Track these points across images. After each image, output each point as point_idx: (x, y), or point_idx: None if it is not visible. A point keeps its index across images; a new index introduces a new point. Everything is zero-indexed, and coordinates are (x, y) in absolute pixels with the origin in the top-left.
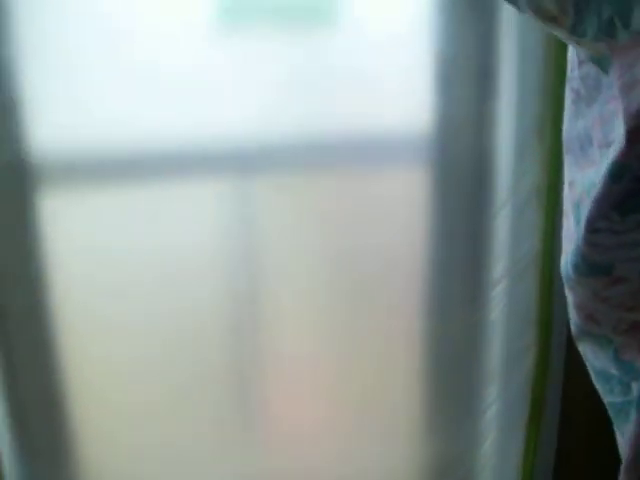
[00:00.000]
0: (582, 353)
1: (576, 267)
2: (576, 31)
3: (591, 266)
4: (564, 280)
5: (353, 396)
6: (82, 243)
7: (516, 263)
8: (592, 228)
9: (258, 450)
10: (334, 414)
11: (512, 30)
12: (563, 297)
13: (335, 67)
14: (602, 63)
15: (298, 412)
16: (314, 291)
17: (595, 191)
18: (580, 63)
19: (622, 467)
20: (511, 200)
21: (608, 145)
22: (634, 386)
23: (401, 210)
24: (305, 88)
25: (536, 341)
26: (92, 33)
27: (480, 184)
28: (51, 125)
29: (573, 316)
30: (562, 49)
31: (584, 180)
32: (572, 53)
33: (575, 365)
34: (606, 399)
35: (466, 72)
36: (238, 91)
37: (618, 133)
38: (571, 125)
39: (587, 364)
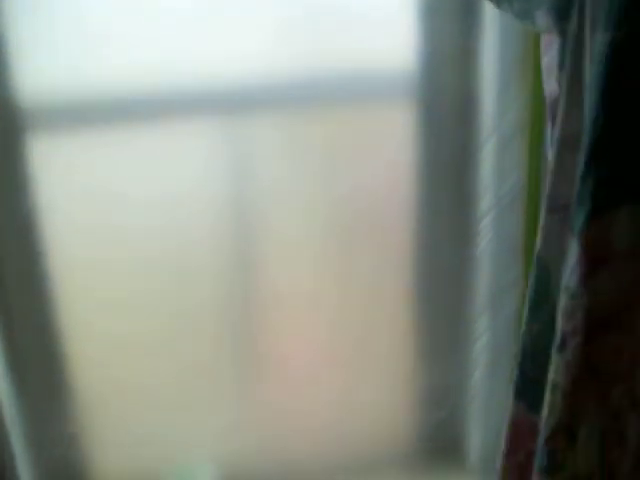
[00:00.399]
0: None
1: None
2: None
3: None
4: None
5: (347, 332)
6: (76, 185)
7: (502, 197)
8: None
9: (254, 388)
10: (329, 349)
11: None
12: None
13: (322, 5)
14: None
15: (294, 349)
16: (308, 228)
17: None
18: None
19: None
20: (496, 134)
21: None
22: None
23: (388, 146)
24: (294, 26)
25: (524, 273)
26: None
27: (465, 119)
28: (40, 67)
29: None
30: None
31: None
32: None
33: None
34: None
35: (450, 7)
36: (231, 30)
37: None
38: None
39: None
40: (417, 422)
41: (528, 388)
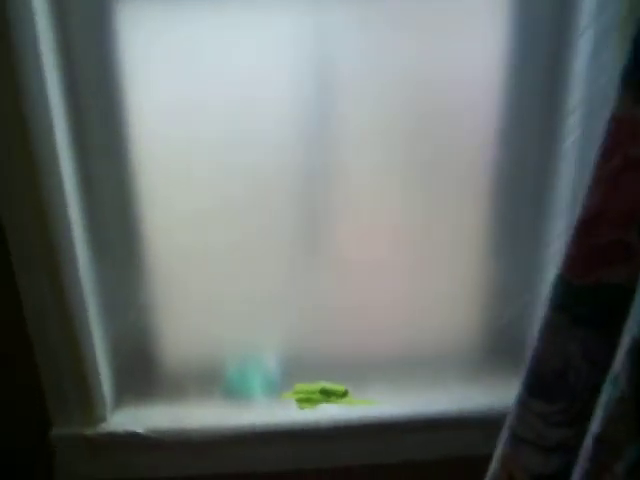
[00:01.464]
0: None
1: None
2: None
3: None
4: None
5: (416, 225)
6: (160, 54)
7: (593, 93)
8: None
9: (317, 276)
10: (397, 244)
11: None
12: None
13: None
14: None
15: (361, 243)
16: (383, 120)
17: None
18: None
19: None
20: (593, 26)
21: None
22: None
23: (479, 29)
24: None
25: None
26: None
27: (562, 7)
28: None
29: None
30: None
31: None
32: None
33: None
34: None
35: None
36: None
37: None
38: None
39: None
40: (483, 322)
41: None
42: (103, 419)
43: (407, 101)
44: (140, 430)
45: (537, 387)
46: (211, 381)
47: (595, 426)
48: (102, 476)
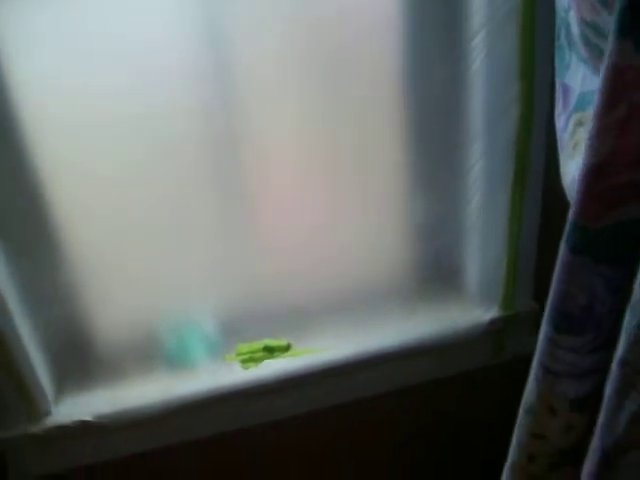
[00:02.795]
0: None
1: None
2: None
3: None
4: None
5: (336, 163)
6: (45, 42)
7: (496, 12)
8: None
9: (241, 230)
10: (317, 185)
11: None
12: (546, 48)
13: None
14: None
15: (281, 188)
16: (291, 64)
17: None
18: None
19: None
20: None
21: None
22: None
23: None
24: None
25: (520, 95)
26: None
27: None
28: None
29: None
30: None
31: None
32: None
33: None
34: None
35: None
36: None
37: None
38: None
39: None
40: (415, 252)
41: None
42: (48, 413)
43: (306, 43)
44: (87, 417)
45: (565, 324)
46: (151, 355)
47: (620, 350)
48: (56, 468)
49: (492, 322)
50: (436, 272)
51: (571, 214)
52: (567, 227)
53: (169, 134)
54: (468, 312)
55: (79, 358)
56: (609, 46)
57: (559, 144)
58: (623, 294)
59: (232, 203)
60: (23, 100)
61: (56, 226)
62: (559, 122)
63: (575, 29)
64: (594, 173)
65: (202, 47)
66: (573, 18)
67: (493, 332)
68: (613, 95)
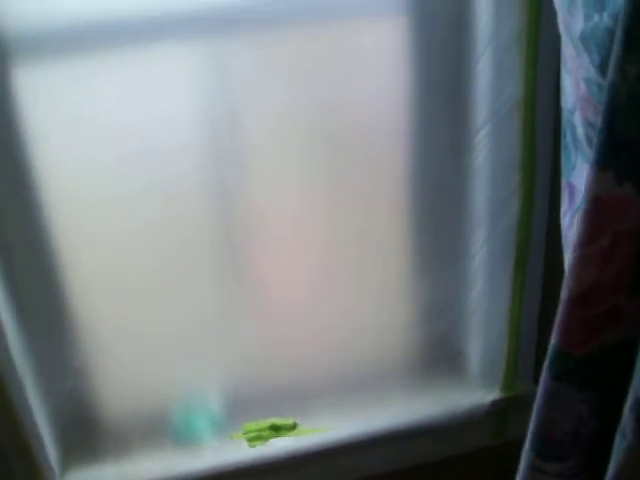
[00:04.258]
0: None
1: None
2: None
3: None
4: None
5: (343, 249)
6: (62, 114)
7: (498, 109)
8: None
9: (250, 312)
10: (325, 269)
11: None
12: (546, 142)
13: None
14: None
15: (291, 272)
16: (298, 148)
17: None
18: None
19: None
20: (492, 46)
21: None
22: None
23: (382, 61)
24: None
25: (521, 186)
26: None
27: (460, 30)
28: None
29: None
30: None
31: None
32: None
33: (559, 211)
34: None
35: None
36: None
37: None
38: None
39: None
40: (418, 336)
41: (620, 153)
42: None
43: (318, 127)
44: None
45: (550, 451)
46: (158, 431)
47: (610, 473)
48: None
49: (494, 404)
50: (439, 354)
51: (553, 341)
52: (549, 353)
53: (178, 211)
54: (470, 394)
55: (86, 432)
56: (589, 178)
57: (563, 241)
58: (608, 416)
59: (239, 284)
60: (42, 178)
61: (69, 306)
62: (564, 220)
63: (580, 130)
64: (577, 302)
65: (211, 125)
66: (578, 119)
67: (495, 413)
68: (596, 226)
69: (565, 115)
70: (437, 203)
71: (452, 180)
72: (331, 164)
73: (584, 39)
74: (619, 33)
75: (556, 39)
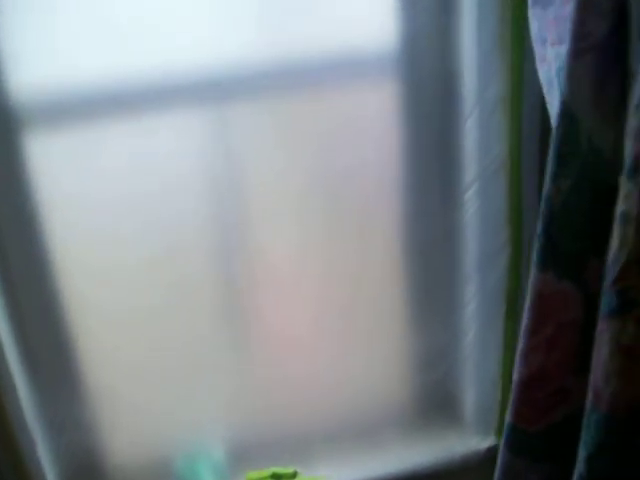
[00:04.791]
0: None
1: None
2: None
3: None
4: None
5: (338, 300)
6: (70, 180)
7: (486, 167)
8: None
9: (248, 360)
10: (321, 318)
11: None
12: (533, 198)
13: None
14: None
15: (286, 322)
16: (295, 209)
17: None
18: None
19: None
20: (478, 108)
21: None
22: None
23: (374, 125)
24: (271, 11)
25: (509, 240)
26: None
27: (447, 95)
28: (30, 69)
29: None
30: None
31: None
32: None
33: None
34: None
35: None
36: (207, 21)
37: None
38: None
39: None
40: (413, 384)
41: (557, 255)
42: None
43: (313, 186)
44: None
45: None
46: (163, 479)
47: None
48: None
49: (489, 450)
50: (434, 401)
51: (508, 419)
52: (505, 429)
53: (184, 274)
54: (465, 440)
55: None
56: (533, 277)
57: None
58: None
59: (241, 336)
60: (54, 245)
61: (78, 359)
62: None
63: None
64: (527, 384)
65: (213, 184)
66: None
67: (490, 459)
68: (541, 318)
69: None
70: (429, 257)
71: (443, 234)
72: (326, 219)
73: None
74: (551, 152)
75: (540, 98)
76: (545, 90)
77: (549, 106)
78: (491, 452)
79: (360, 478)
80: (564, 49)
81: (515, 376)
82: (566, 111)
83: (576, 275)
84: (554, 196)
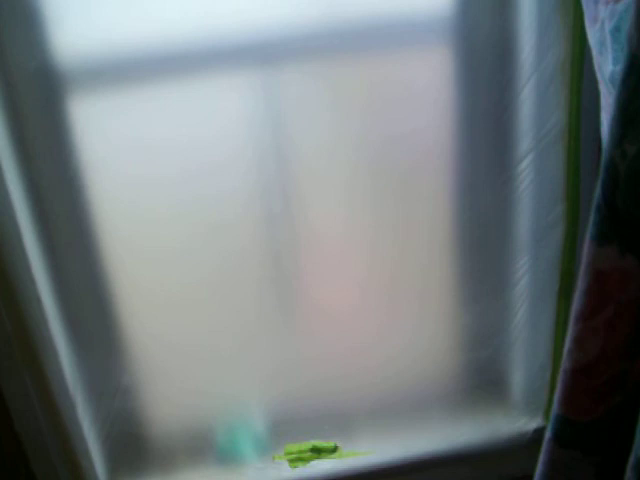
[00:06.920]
0: None
1: None
2: None
3: None
4: None
5: (389, 274)
6: (115, 143)
7: (542, 138)
8: None
9: (293, 334)
10: (368, 294)
11: None
12: (590, 171)
13: None
14: None
15: (333, 295)
16: (344, 178)
17: None
18: None
19: None
20: (535, 75)
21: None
22: None
23: (426, 92)
24: None
25: (565, 214)
26: None
27: (503, 61)
28: (75, 31)
29: None
30: None
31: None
32: None
33: None
34: None
35: None
36: None
37: None
38: None
39: None
40: (461, 362)
41: (622, 227)
42: None
43: (363, 156)
44: None
45: None
46: (203, 450)
47: None
48: None
49: (536, 431)
50: (482, 380)
51: (558, 411)
52: (553, 423)
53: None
54: (513, 421)
55: (133, 449)
56: (589, 253)
57: None
58: (611, 477)
59: (286, 310)
60: (94, 198)
61: (122, 325)
62: None
63: None
64: (584, 372)
65: (258, 153)
66: None
67: (537, 441)
68: (600, 299)
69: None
70: (480, 231)
71: (496, 208)
72: (375, 192)
73: (613, 81)
74: (615, 111)
75: None
76: (596, 52)
77: (598, 71)
78: (538, 434)
79: (403, 456)
80: (620, 6)
81: (567, 364)
82: (634, 64)
83: None
84: (619, 161)
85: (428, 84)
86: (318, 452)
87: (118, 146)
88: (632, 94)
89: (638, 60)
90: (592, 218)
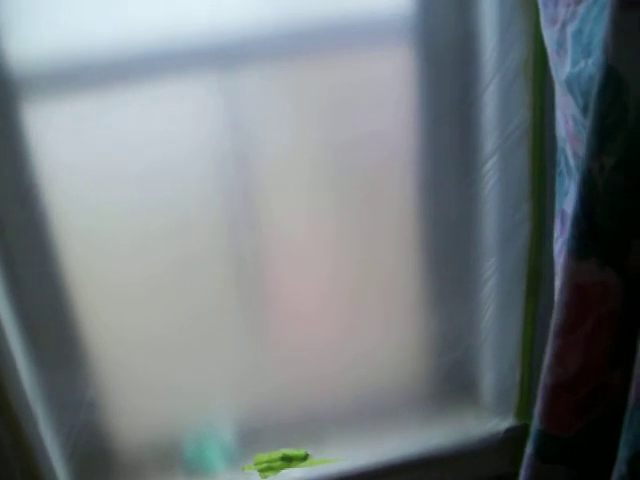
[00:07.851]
0: None
1: None
2: None
3: None
4: None
5: (352, 278)
6: (72, 147)
7: (507, 138)
8: None
9: (258, 339)
10: (334, 298)
11: None
12: (554, 169)
13: None
14: None
15: (298, 299)
16: (307, 180)
17: None
18: None
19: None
20: (499, 74)
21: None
22: None
23: (388, 93)
24: None
25: (530, 215)
26: None
27: (467, 60)
28: (28, 37)
29: None
30: None
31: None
32: None
33: None
34: None
35: None
36: None
37: None
38: None
39: None
40: (431, 365)
41: (601, 240)
42: None
43: (325, 157)
44: None
45: None
46: (170, 462)
47: None
48: None
49: (507, 431)
50: (451, 383)
51: (539, 426)
52: (534, 439)
53: (193, 248)
54: (484, 422)
55: (99, 464)
56: (568, 267)
57: (555, 267)
58: None
59: (251, 314)
60: (55, 219)
61: (83, 336)
62: (556, 246)
63: (571, 160)
64: (565, 387)
65: (219, 157)
66: (569, 150)
67: (509, 441)
68: (579, 313)
69: (559, 143)
70: (447, 232)
71: (461, 208)
72: (338, 194)
73: (569, 83)
74: (592, 124)
75: None
76: (552, 52)
77: (553, 71)
78: (509, 434)
79: (374, 461)
80: (582, 8)
81: (548, 380)
82: (611, 75)
83: (620, 261)
84: (597, 175)
85: (390, 85)
86: (289, 460)
87: (75, 150)
88: (609, 107)
89: (614, 71)
90: (570, 232)
